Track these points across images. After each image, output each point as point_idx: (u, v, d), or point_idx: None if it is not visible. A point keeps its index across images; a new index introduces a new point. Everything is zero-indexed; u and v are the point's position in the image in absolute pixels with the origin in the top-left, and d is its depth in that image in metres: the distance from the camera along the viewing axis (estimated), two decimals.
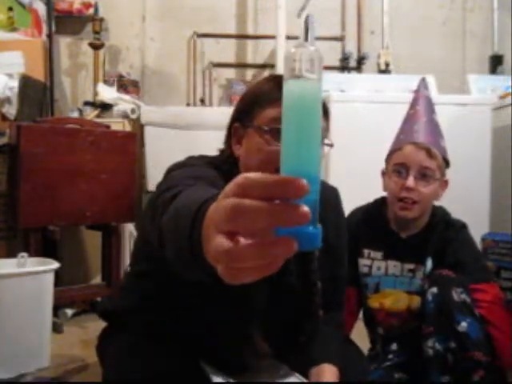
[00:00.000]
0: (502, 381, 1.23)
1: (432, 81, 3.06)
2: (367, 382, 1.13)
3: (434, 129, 1.40)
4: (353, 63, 3.53)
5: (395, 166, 1.37)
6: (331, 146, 0.98)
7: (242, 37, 3.57)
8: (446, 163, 1.40)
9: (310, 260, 1.05)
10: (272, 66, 3.10)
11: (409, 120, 1.43)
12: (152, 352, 0.98)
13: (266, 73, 3.50)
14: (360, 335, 1.49)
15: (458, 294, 1.22)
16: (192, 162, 0.98)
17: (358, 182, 2.24)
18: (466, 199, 2.36)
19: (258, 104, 0.96)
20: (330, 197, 1.18)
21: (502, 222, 2.48)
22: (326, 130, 1.00)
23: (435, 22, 3.66)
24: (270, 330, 1.04)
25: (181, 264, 0.64)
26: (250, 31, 3.57)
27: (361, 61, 3.50)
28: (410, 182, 1.32)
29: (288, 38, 3.11)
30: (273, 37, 3.17)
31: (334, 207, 1.18)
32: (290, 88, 0.43)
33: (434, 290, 1.25)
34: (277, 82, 0.98)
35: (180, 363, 0.97)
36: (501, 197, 2.52)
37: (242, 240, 0.41)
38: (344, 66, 3.53)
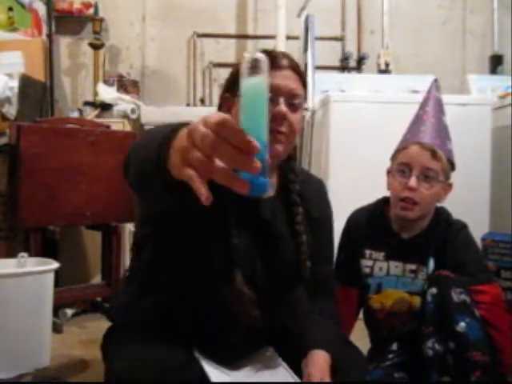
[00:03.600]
0: (501, 382, 1.23)
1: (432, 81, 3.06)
2: (367, 382, 1.13)
3: (442, 130, 1.40)
4: (353, 63, 3.53)
5: (399, 166, 1.37)
6: (307, 109, 1.12)
7: (242, 37, 3.57)
8: (452, 166, 1.40)
9: (295, 213, 1.11)
10: None
11: (417, 120, 1.43)
12: (152, 346, 1.00)
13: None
14: (360, 335, 1.49)
15: (457, 295, 1.22)
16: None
17: (358, 181, 2.24)
18: (466, 199, 2.35)
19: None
20: (316, 186, 1.26)
21: (502, 222, 2.48)
22: (303, 97, 1.08)
23: (435, 21, 3.66)
24: (257, 280, 1.06)
25: (146, 181, 0.80)
26: (250, 31, 3.57)
27: (361, 61, 3.50)
28: (412, 181, 1.32)
29: (288, 38, 3.11)
30: (273, 37, 3.17)
31: (320, 196, 1.25)
32: (247, 82, 0.60)
33: (434, 290, 1.25)
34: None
35: (179, 361, 0.98)
36: (501, 197, 2.52)
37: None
38: (344, 66, 3.53)
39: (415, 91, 2.90)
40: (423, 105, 1.45)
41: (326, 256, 1.24)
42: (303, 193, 1.15)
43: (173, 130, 0.71)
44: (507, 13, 3.56)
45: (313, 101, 2.90)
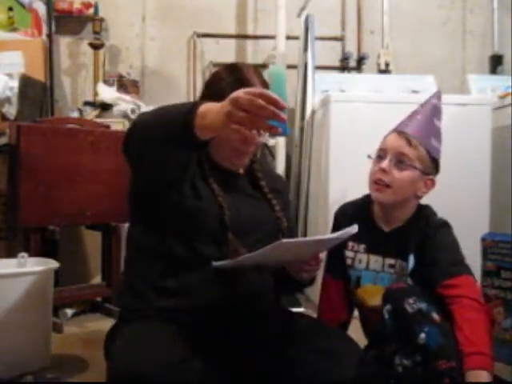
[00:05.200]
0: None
1: (432, 81, 3.06)
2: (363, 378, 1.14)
3: (428, 128, 1.41)
4: (353, 63, 3.53)
5: (377, 152, 1.42)
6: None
7: (242, 37, 3.56)
8: (436, 164, 1.41)
9: (261, 185, 1.34)
10: None
11: (406, 117, 1.46)
12: (152, 343, 1.03)
13: (266, 73, 3.50)
14: (360, 335, 1.49)
15: (411, 305, 1.21)
16: None
17: (357, 181, 2.24)
18: (466, 199, 2.36)
19: (220, 100, 1.11)
20: (276, 175, 1.58)
21: (502, 221, 2.48)
22: None
23: (435, 21, 3.66)
24: (245, 236, 1.20)
25: (165, 140, 1.02)
26: (250, 31, 3.57)
27: (361, 61, 3.50)
28: (384, 164, 1.37)
29: (288, 38, 3.11)
30: (273, 37, 3.16)
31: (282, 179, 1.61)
32: (273, 69, 1.27)
33: (389, 307, 1.25)
34: (238, 84, 1.17)
35: (179, 356, 1.00)
36: (501, 197, 2.52)
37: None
38: (344, 66, 3.53)
39: (415, 91, 2.89)
40: (418, 106, 1.48)
41: (291, 228, 1.41)
42: (265, 173, 1.39)
43: (193, 104, 0.98)
44: (507, 13, 3.56)
45: (313, 101, 2.90)
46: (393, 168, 1.37)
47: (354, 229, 1.16)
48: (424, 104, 1.47)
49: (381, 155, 1.41)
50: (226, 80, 1.25)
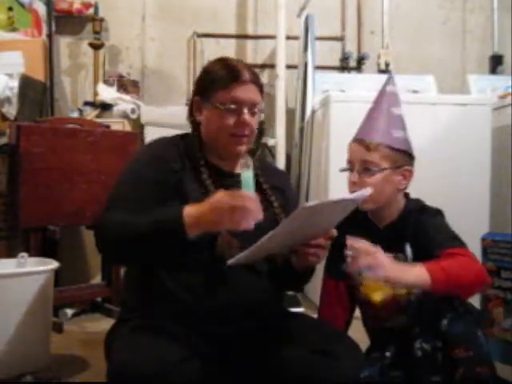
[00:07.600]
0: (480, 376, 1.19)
1: (432, 81, 3.06)
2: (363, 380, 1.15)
3: (385, 122, 1.39)
4: (353, 63, 3.53)
5: (347, 165, 1.44)
6: (262, 111, 1.33)
7: (241, 37, 3.57)
8: (408, 154, 1.40)
9: (261, 186, 1.34)
10: (272, 66, 3.09)
11: (362, 120, 1.45)
12: (153, 341, 1.04)
13: (266, 73, 3.51)
14: (360, 335, 1.49)
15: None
16: (144, 159, 1.32)
17: None
18: (466, 199, 2.36)
19: (213, 87, 1.26)
20: (279, 173, 1.57)
21: (502, 222, 2.48)
22: (261, 104, 1.29)
23: (435, 21, 3.66)
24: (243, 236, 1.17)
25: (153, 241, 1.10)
26: (250, 31, 3.58)
27: (361, 61, 3.50)
28: (352, 177, 1.39)
29: (288, 38, 3.11)
30: (273, 37, 3.17)
31: (283, 178, 1.52)
32: (245, 174, 1.26)
33: (418, 290, 1.26)
34: (227, 69, 1.25)
35: (179, 355, 1.01)
36: (501, 197, 2.52)
37: None
38: (344, 66, 3.53)
39: (415, 91, 2.90)
40: (372, 103, 1.45)
41: None
42: (266, 170, 1.40)
43: (178, 216, 1.07)
44: (507, 13, 3.56)
45: (313, 101, 2.90)
46: (362, 178, 1.37)
47: (366, 191, 1.19)
48: (378, 98, 1.44)
49: (350, 168, 1.41)
50: (219, 72, 1.27)
